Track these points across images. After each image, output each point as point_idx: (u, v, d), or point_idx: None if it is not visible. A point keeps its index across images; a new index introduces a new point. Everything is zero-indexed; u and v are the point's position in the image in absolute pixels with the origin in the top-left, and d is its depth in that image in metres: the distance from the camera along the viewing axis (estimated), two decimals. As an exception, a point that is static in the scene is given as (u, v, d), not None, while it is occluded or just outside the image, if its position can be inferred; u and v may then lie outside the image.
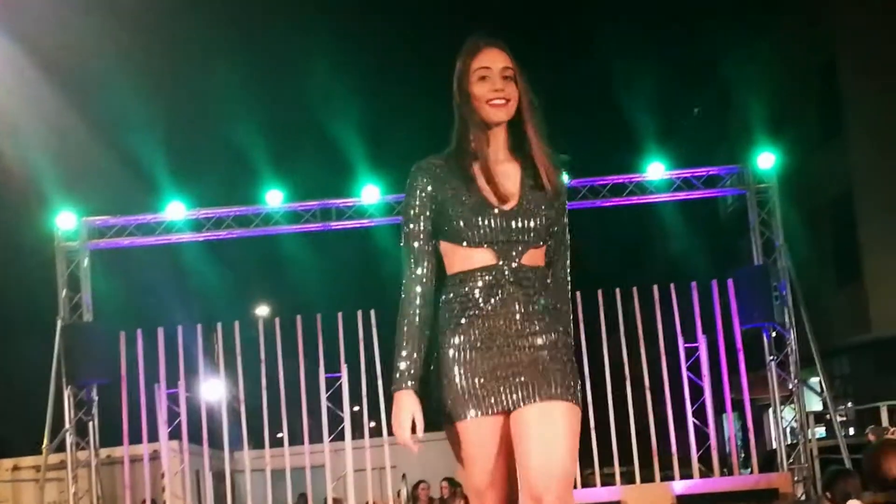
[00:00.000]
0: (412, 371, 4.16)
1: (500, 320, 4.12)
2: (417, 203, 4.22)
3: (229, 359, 14.55)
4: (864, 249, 23.46)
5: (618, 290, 14.34)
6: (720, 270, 16.01)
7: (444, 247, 4.21)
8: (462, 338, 4.14)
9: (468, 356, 4.13)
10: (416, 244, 4.23)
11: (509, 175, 4.18)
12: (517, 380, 4.09)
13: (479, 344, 4.12)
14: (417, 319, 4.20)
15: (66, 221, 14.52)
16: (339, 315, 14.36)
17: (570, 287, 4.42)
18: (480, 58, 4.20)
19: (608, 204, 15.10)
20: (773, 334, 14.54)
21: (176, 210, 14.65)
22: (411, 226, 4.25)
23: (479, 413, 4.10)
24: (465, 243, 4.14)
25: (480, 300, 4.13)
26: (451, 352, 4.16)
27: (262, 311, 31.91)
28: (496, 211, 4.13)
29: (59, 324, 14.26)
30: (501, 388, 4.09)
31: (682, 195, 15.12)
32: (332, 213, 14.94)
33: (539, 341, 4.14)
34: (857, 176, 23.70)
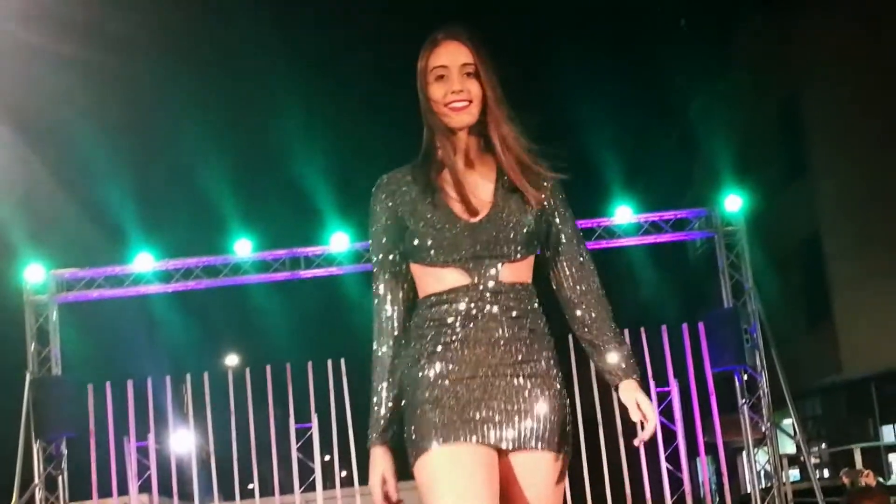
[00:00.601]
0: (383, 422, 3.84)
1: (479, 347, 3.73)
2: (380, 229, 3.87)
3: (199, 410, 14.46)
4: (833, 290, 23.54)
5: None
6: (690, 313, 16.06)
7: (415, 269, 3.84)
8: (436, 368, 3.74)
9: (442, 389, 3.72)
10: (383, 275, 3.89)
11: (480, 183, 3.82)
12: (500, 416, 3.71)
13: (455, 375, 3.72)
14: (389, 360, 3.86)
15: (34, 274, 14.44)
16: (309, 364, 14.28)
17: (598, 285, 3.98)
18: (437, 54, 3.82)
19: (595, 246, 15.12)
20: (745, 377, 14.55)
21: (144, 261, 14.58)
22: (375, 257, 3.92)
23: (453, 441, 3.68)
24: (433, 263, 3.76)
25: (457, 325, 3.74)
26: (423, 384, 3.74)
27: (232, 360, 31.82)
28: (464, 224, 3.75)
29: (27, 377, 14.15)
30: (481, 424, 3.69)
31: (650, 239, 15.16)
32: (301, 261, 14.89)
33: (526, 370, 3.77)
34: (823, 216, 23.82)
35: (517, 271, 3.80)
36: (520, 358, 3.77)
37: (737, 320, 14.31)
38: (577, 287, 3.95)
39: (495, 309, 3.75)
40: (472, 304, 3.75)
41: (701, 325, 14.35)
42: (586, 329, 3.98)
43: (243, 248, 14.71)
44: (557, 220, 3.91)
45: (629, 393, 3.88)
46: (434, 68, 3.80)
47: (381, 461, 3.82)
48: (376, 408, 3.85)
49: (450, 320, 3.75)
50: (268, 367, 14.27)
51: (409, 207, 3.80)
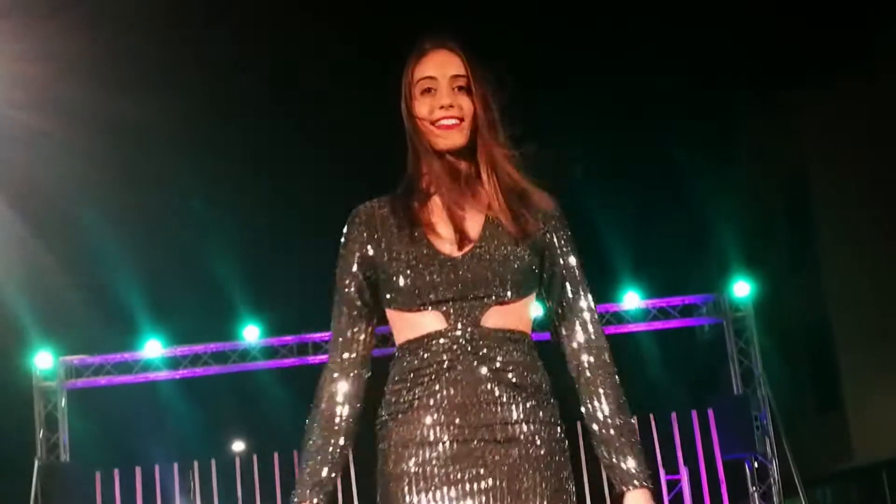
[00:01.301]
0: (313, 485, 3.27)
1: (454, 403, 3.11)
2: (349, 264, 3.30)
3: (206, 497, 14.39)
4: (843, 376, 23.48)
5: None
6: (699, 399, 15.97)
7: (390, 314, 3.26)
8: (406, 430, 3.14)
9: (415, 458, 3.12)
10: (343, 322, 3.32)
11: (469, 214, 3.21)
12: (486, 494, 3.07)
13: (431, 438, 3.11)
14: (321, 439, 3.30)
15: (43, 361, 14.46)
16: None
17: (608, 357, 3.31)
18: (424, 64, 3.26)
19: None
20: (756, 464, 14.47)
21: (153, 348, 14.61)
22: (338, 294, 3.33)
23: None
24: (408, 305, 3.17)
25: (428, 381, 3.13)
26: (389, 454, 3.17)
27: (239, 446, 31.68)
28: (443, 260, 3.15)
29: (36, 464, 14.12)
30: (461, 499, 3.05)
31: (658, 324, 15.16)
32: (310, 347, 14.90)
33: (515, 432, 3.12)
34: (831, 303, 23.81)
35: (508, 316, 3.18)
36: (510, 416, 3.13)
37: (747, 407, 14.27)
38: (584, 357, 3.30)
39: (474, 359, 3.13)
40: (447, 355, 3.13)
41: (710, 412, 14.31)
42: (597, 418, 3.30)
43: (251, 333, 14.72)
44: (560, 261, 3.31)
45: None
46: (420, 80, 3.26)
47: None
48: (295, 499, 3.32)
49: (423, 373, 3.16)
50: (276, 455, 14.23)
51: (384, 244, 3.24)
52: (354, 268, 3.29)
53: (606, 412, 3.28)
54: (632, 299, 14.83)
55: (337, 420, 3.31)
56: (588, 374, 3.29)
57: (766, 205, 25.97)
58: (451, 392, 3.11)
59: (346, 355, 3.32)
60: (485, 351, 3.13)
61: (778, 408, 14.56)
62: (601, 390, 3.29)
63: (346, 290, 3.31)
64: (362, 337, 3.34)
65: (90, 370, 14.74)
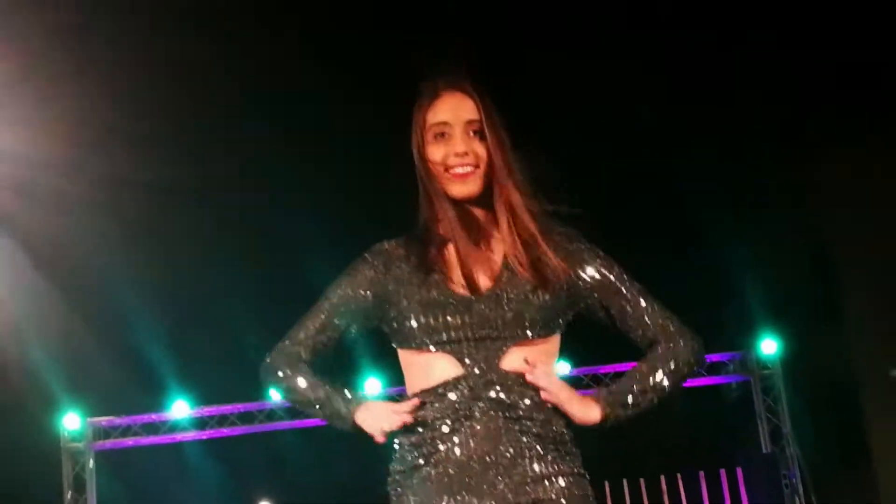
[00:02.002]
0: (349, 395, 3.18)
1: (471, 460, 2.91)
2: (352, 289, 3.19)
3: (234, 559, 14.40)
4: (871, 432, 23.29)
5: (624, 482, 14.25)
6: (727, 457, 15.90)
7: (402, 356, 3.13)
8: (419, 494, 2.97)
9: None
10: (311, 323, 3.26)
11: (486, 257, 3.08)
12: None
13: (445, 500, 2.91)
14: (301, 380, 3.25)
15: (71, 422, 14.52)
16: (343, 511, 14.25)
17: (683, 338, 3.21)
18: (437, 109, 3.13)
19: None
20: (785, 523, 14.39)
21: (180, 409, 14.64)
22: (328, 300, 3.24)
23: None
24: (420, 346, 3.02)
25: (443, 429, 2.95)
26: None
27: (265, 507, 31.60)
28: (458, 301, 3.00)
29: (62, 526, 14.16)
30: None
31: (685, 382, 15.09)
32: (336, 408, 14.91)
33: (539, 494, 2.91)
34: (860, 358, 23.66)
35: (529, 356, 3.02)
36: (533, 472, 2.94)
37: (776, 465, 14.20)
38: (651, 324, 3.19)
39: (493, 409, 2.95)
40: (463, 405, 2.96)
41: (739, 471, 14.24)
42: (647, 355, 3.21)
43: (278, 394, 14.71)
44: (598, 287, 3.14)
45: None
46: (433, 125, 3.12)
47: (372, 405, 3.13)
48: (334, 398, 3.20)
49: (436, 425, 2.98)
50: (302, 514, 14.24)
51: (397, 286, 3.10)
52: (362, 289, 3.19)
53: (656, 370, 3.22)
54: (658, 357, 14.77)
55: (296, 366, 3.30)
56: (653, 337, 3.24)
57: (792, 261, 25.87)
58: (463, 443, 2.94)
59: (292, 350, 3.29)
60: (503, 397, 2.96)
61: (806, 465, 14.47)
62: (663, 362, 3.23)
63: (340, 300, 3.23)
64: (318, 348, 3.28)
65: (118, 431, 14.79)
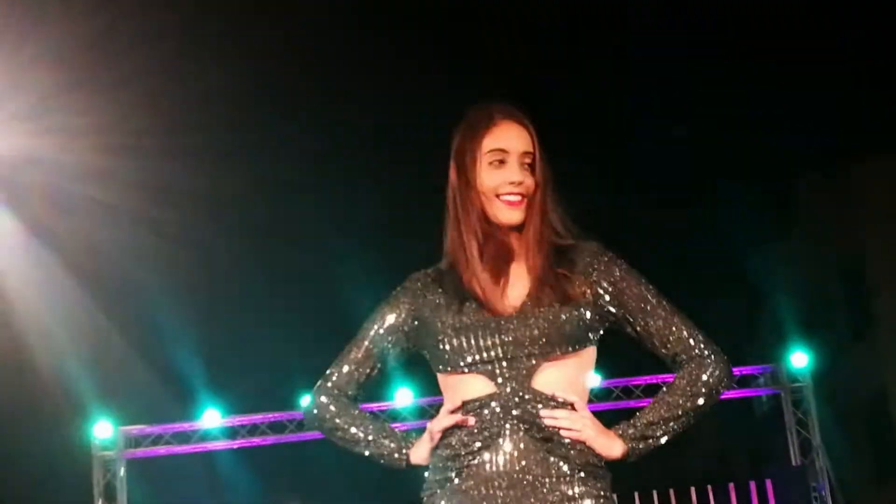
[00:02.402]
0: (397, 435, 3.30)
1: (500, 477, 2.98)
2: (394, 318, 3.26)
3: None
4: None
5: (655, 493, 14.23)
6: (757, 470, 15.89)
7: (440, 380, 3.20)
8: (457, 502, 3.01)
9: None
10: (354, 355, 3.33)
11: (515, 280, 3.13)
12: None
13: None
14: (343, 417, 3.32)
15: (103, 431, 14.58)
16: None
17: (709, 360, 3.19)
18: (495, 136, 3.13)
19: (643, 404, 15.03)
20: (815, 535, 14.35)
21: (211, 418, 14.69)
22: (366, 337, 3.31)
23: None
24: (454, 368, 3.08)
25: (476, 445, 3.01)
26: None
27: (295, 517, 31.66)
28: (489, 322, 3.05)
29: (94, 533, 14.22)
30: None
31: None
32: (366, 416, 14.93)
33: None
34: (890, 371, 23.60)
35: (559, 374, 3.06)
36: (560, 494, 2.97)
37: (805, 479, 14.16)
38: (668, 344, 3.21)
39: (524, 428, 3.01)
40: (495, 423, 3.02)
41: (769, 483, 14.20)
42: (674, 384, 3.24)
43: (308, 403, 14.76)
44: (621, 300, 3.16)
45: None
46: (490, 151, 3.12)
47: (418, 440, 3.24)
48: (383, 440, 3.32)
49: (468, 440, 3.05)
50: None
51: (433, 313, 3.16)
52: (401, 318, 3.24)
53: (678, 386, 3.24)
54: (688, 369, 14.76)
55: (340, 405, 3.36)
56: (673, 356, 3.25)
57: (823, 274, 25.83)
58: (500, 463, 2.98)
59: (337, 388, 3.36)
60: (533, 416, 3.00)
61: (836, 478, 14.44)
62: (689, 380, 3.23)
63: (381, 331, 3.29)
64: (362, 380, 3.35)
65: (149, 440, 14.84)
